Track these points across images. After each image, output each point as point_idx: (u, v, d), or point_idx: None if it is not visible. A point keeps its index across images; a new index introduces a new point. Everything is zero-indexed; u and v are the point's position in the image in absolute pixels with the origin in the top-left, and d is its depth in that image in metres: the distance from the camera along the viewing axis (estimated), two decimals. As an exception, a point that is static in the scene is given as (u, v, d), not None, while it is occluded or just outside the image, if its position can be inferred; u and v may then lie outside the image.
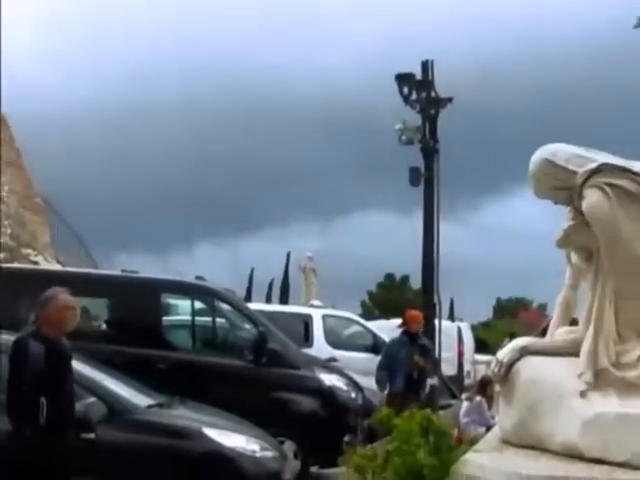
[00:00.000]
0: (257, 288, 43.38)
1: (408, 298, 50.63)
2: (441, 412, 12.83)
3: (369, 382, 13.74)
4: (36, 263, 21.62)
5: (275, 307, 22.93)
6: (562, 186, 4.64)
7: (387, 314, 31.38)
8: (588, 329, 4.49)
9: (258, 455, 8.29)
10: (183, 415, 8.64)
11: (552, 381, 4.49)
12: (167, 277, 13.58)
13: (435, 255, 18.65)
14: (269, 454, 8.47)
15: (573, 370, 4.42)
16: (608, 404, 4.23)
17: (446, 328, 20.60)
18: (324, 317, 18.63)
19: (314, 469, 11.16)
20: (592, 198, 4.46)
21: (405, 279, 57.51)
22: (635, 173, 4.48)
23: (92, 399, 7.57)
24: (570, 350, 4.59)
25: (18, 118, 24.47)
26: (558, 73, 55.14)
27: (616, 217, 4.39)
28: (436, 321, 18.85)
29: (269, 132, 62.23)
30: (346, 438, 10.79)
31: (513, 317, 52.41)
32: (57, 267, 21.07)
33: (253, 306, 15.15)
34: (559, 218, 4.84)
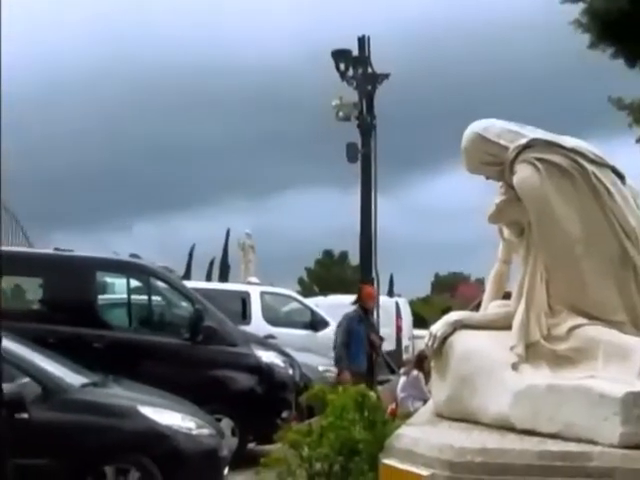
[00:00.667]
0: (198, 266, 43.22)
1: (347, 275, 50.93)
2: (379, 387, 12.96)
3: (307, 358, 13.79)
4: (-32, 242, 21.21)
5: (213, 285, 22.90)
6: (493, 161, 4.67)
7: (325, 291, 31.51)
8: (520, 303, 4.53)
9: (194, 432, 8.26)
10: (118, 394, 8.59)
11: (484, 354, 4.53)
12: (102, 255, 13.42)
13: (373, 231, 18.70)
14: (205, 431, 8.44)
15: (505, 343, 4.46)
16: (539, 376, 4.27)
17: (385, 303, 20.73)
18: (262, 294, 18.64)
19: (251, 446, 11.16)
20: (523, 173, 4.48)
21: (344, 256, 57.78)
22: (565, 148, 4.51)
23: (26, 379, 7.47)
24: (503, 324, 4.63)
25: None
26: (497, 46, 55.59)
27: (547, 192, 4.43)
28: (375, 297, 18.93)
29: (205, 110, 61.83)
30: (284, 414, 10.82)
31: (451, 292, 53.04)
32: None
33: (191, 284, 15.09)
34: (491, 194, 4.87)
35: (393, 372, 17.67)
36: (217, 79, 61.33)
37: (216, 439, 8.60)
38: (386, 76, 19.28)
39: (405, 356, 22.03)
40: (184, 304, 12.04)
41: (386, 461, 4.38)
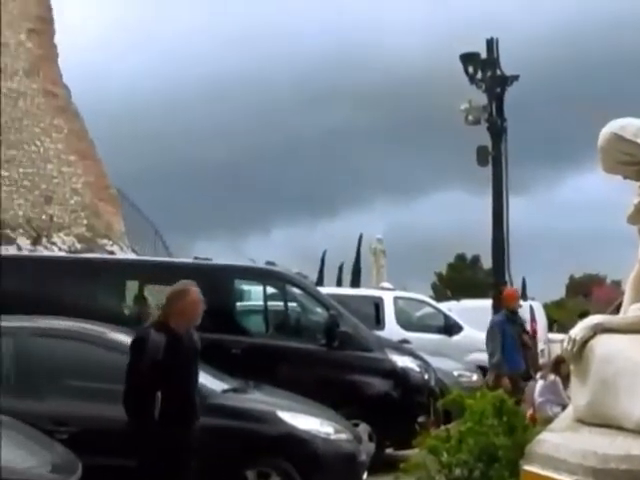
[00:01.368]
0: (328, 271, 43.55)
1: (479, 278, 50.38)
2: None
3: (441, 363, 13.73)
4: (112, 253, 22.06)
5: (346, 290, 23.00)
6: (630, 161, 4.59)
7: (458, 295, 31.25)
8: (661, 305, 4.44)
9: (333, 437, 8.36)
10: (257, 399, 8.74)
11: (627, 358, 4.44)
12: (240, 263, 13.71)
13: (505, 235, 18.48)
14: (343, 436, 8.52)
15: (648, 347, 4.37)
16: (685, 381, 4.18)
17: (519, 307, 20.39)
18: (395, 299, 18.65)
19: (389, 451, 11.20)
20: (662, 173, 4.40)
21: (476, 259, 57.20)
22: None
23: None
24: (644, 327, 4.54)
25: (90, 112, 24.92)
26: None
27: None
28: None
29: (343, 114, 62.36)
30: (420, 419, 10.81)
31: (586, 295, 51.68)
32: (132, 256, 21.43)
33: (324, 290, 15.23)
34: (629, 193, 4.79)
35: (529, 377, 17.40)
36: (345, 84, 61.91)
37: (354, 444, 8.67)
38: (516, 78, 19.05)
39: (541, 360, 21.66)
40: (319, 310, 12.17)
41: (527, 467, 4.35)
